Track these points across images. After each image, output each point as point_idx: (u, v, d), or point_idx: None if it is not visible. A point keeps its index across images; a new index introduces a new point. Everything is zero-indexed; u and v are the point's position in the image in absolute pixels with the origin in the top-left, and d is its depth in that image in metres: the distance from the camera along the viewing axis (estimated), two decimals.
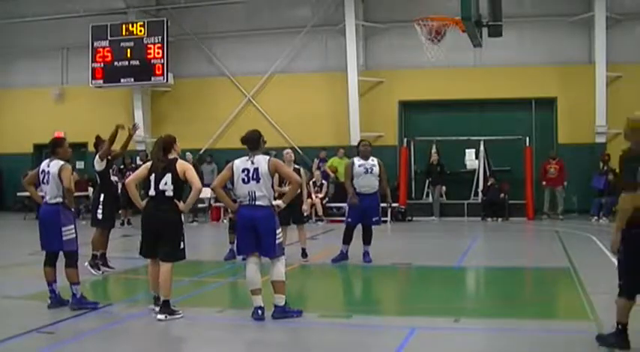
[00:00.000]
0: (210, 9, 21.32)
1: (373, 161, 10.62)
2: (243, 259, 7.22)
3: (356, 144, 19.11)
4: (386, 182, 10.98)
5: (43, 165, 7.54)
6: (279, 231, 6.90)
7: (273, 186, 6.99)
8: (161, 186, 6.96)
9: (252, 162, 6.83)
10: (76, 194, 9.35)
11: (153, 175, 7.03)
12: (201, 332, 6.64)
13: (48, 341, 6.14)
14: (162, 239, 6.95)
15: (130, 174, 10.11)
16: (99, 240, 9.63)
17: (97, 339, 6.29)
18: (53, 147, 7.58)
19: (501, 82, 19.16)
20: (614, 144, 18.70)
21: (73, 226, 7.41)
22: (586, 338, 6.03)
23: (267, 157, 6.93)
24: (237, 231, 7.10)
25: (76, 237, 7.45)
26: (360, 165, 10.61)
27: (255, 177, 6.79)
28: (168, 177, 6.95)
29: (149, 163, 7.24)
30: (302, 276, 10.04)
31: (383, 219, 17.79)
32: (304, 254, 10.78)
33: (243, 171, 6.83)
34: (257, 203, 6.79)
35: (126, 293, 8.89)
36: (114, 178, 10.11)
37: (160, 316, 6.79)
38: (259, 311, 6.73)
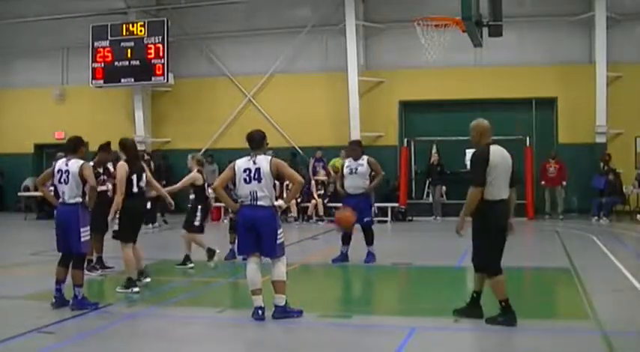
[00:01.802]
0: (210, 9, 21.33)
1: (362, 161, 10.58)
2: (244, 259, 7.22)
3: None
4: (378, 180, 10.81)
5: (60, 164, 7.38)
6: (280, 231, 6.89)
7: (275, 186, 6.99)
8: (142, 184, 8.24)
9: (254, 162, 6.84)
10: None
11: (135, 175, 8.19)
12: (201, 332, 6.64)
13: (48, 341, 6.14)
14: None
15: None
16: (92, 245, 9.55)
17: (97, 339, 6.29)
18: (76, 146, 7.46)
19: (501, 82, 19.16)
20: (615, 144, 18.75)
21: (88, 227, 7.39)
22: (586, 338, 6.04)
23: (269, 157, 6.92)
24: (238, 231, 7.10)
25: (90, 238, 7.48)
26: (347, 166, 10.66)
27: (256, 177, 6.79)
28: (144, 176, 8.32)
29: (125, 166, 8.22)
30: (302, 276, 10.04)
31: (384, 218, 18.05)
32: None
33: (244, 171, 6.83)
34: (258, 203, 6.79)
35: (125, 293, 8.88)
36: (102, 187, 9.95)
37: (136, 289, 8.04)
38: (259, 311, 6.73)
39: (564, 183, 18.31)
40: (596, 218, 17.32)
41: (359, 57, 19.99)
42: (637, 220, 16.88)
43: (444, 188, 19.03)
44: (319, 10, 20.58)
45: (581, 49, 19.27)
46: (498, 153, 6.56)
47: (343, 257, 10.65)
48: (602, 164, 18.09)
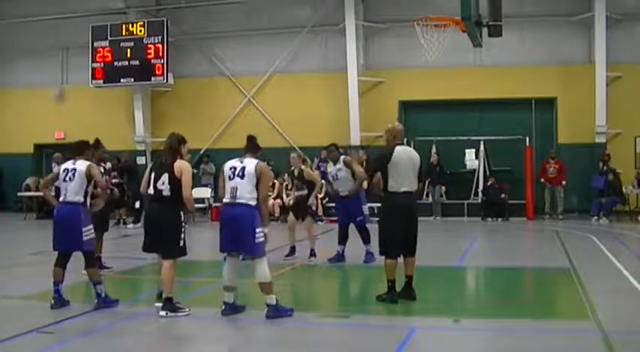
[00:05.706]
0: (210, 9, 21.33)
1: (339, 165, 10.61)
2: (225, 259, 7.22)
3: (356, 144, 19.44)
4: (358, 182, 10.37)
5: (67, 164, 7.51)
6: (259, 230, 6.83)
7: (257, 188, 6.89)
8: (158, 186, 6.95)
9: (242, 162, 6.95)
10: None
11: (153, 174, 7.06)
12: (202, 331, 6.64)
13: (48, 341, 6.13)
14: (162, 237, 6.95)
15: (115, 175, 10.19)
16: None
17: (98, 339, 6.29)
18: (82, 149, 7.61)
19: (501, 82, 19.16)
20: (614, 144, 18.75)
21: (91, 226, 7.41)
22: (586, 338, 6.04)
23: (257, 161, 6.99)
24: (220, 229, 7.05)
25: (94, 237, 7.51)
26: (329, 172, 10.88)
27: (240, 174, 6.86)
28: (165, 177, 6.93)
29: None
30: (302, 276, 10.05)
31: (377, 218, 17.89)
32: (312, 254, 10.83)
33: (230, 168, 6.95)
34: (237, 201, 6.82)
35: (127, 293, 8.86)
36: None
37: (161, 312, 6.91)
38: (225, 307, 6.92)
39: (564, 183, 18.31)
40: (595, 218, 17.33)
41: (359, 57, 20.00)
42: (637, 220, 16.89)
43: (443, 188, 19.05)
44: (319, 10, 20.59)
45: (581, 49, 19.28)
46: (403, 153, 7.53)
47: (338, 257, 10.68)
48: (601, 164, 18.10)
